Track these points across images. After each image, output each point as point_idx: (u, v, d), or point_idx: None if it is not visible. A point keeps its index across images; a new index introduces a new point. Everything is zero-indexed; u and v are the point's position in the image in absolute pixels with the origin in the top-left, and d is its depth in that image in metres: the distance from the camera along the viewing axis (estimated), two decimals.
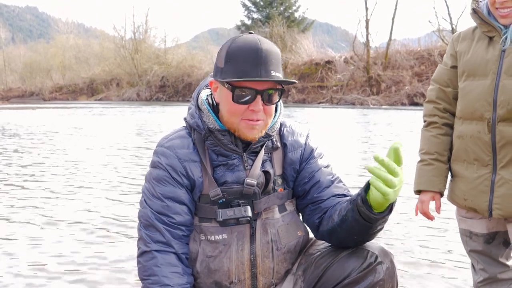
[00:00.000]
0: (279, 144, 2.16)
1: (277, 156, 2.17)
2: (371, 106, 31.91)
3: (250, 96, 1.94)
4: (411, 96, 31.25)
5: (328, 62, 41.20)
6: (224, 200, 2.03)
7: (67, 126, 18.07)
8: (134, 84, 55.16)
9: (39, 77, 64.45)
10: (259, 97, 1.94)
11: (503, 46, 2.37)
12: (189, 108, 2.15)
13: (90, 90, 59.91)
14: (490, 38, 2.42)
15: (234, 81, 1.91)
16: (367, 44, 39.92)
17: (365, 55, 39.20)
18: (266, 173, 2.09)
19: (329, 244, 2.16)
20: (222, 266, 2.07)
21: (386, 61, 38.15)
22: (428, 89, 2.75)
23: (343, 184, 2.23)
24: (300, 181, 2.18)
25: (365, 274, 2.02)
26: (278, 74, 1.96)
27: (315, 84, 41.08)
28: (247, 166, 2.08)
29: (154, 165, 2.08)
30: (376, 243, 2.21)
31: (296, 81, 2.14)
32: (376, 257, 2.05)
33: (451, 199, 2.67)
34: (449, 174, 2.67)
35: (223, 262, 2.06)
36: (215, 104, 2.10)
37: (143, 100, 47.90)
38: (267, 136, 2.09)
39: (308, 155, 2.21)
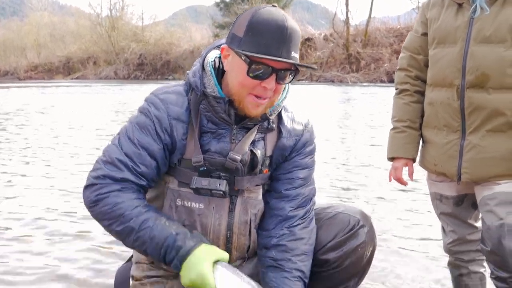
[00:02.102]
0: (275, 126, 2.11)
1: (271, 137, 2.12)
2: (350, 83, 32.00)
3: (266, 73, 1.87)
4: (390, 73, 31.31)
5: (308, 39, 41.02)
6: (205, 168, 1.99)
7: (42, 105, 17.84)
8: (112, 62, 54.36)
9: (13, 56, 63.16)
10: (274, 76, 1.88)
11: (473, 15, 2.41)
12: (194, 65, 2.08)
13: (67, 69, 58.93)
14: (459, 5, 2.47)
15: (254, 56, 1.83)
16: (346, 21, 39.81)
17: (344, 32, 39.11)
18: (253, 154, 2.05)
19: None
20: None
21: (365, 39, 38.14)
22: (400, 56, 2.79)
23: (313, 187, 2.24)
24: (281, 169, 2.17)
25: (348, 238, 2.10)
26: (297, 56, 1.91)
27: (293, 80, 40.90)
28: (234, 139, 2.02)
29: (142, 110, 2.02)
30: (355, 207, 2.28)
31: (316, 67, 2.10)
32: (358, 221, 2.13)
33: (422, 164, 2.74)
34: (421, 140, 2.74)
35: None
36: (221, 68, 2.04)
37: (121, 78, 47.35)
38: (265, 117, 2.03)
39: (299, 147, 2.17)
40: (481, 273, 2.82)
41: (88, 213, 1.98)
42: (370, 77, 33.58)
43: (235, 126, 2.01)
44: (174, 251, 1.84)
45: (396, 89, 2.80)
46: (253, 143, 2.06)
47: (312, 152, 2.22)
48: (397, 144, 2.72)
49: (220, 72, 2.04)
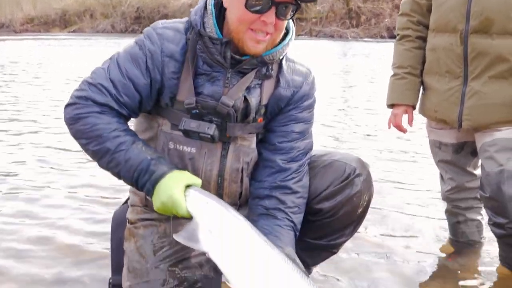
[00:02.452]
0: (273, 74, 2.01)
1: (268, 85, 2.03)
2: (350, 38, 31.63)
3: (265, 6, 1.79)
4: (391, 29, 30.87)
5: None
6: (197, 111, 1.94)
7: (38, 59, 17.66)
8: (108, 15, 53.44)
9: (8, 7, 62.20)
10: (273, 9, 1.80)
11: None
12: (198, 3, 1.99)
13: (63, 22, 58.01)
14: None
15: None
16: None
17: None
18: (246, 101, 1.98)
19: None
20: None
21: None
22: (402, 1, 2.73)
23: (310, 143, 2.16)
24: (275, 122, 2.09)
25: (343, 187, 2.06)
26: None
27: (294, 16, 40.47)
28: (227, 83, 1.94)
29: (138, 41, 1.97)
30: (352, 155, 2.22)
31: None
32: (354, 170, 2.07)
33: (422, 111, 2.72)
34: (421, 87, 2.71)
35: None
36: (223, 9, 1.95)
37: (118, 32, 46.69)
38: (262, 62, 1.93)
39: (297, 100, 2.08)
40: (478, 220, 2.84)
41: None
42: (371, 32, 33.12)
43: (230, 70, 1.93)
44: (148, 175, 1.83)
45: (398, 34, 2.75)
46: (248, 89, 1.98)
47: (310, 106, 2.13)
48: (397, 90, 2.69)
49: (222, 14, 1.96)
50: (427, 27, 2.62)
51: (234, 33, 1.87)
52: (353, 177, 2.06)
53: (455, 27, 2.43)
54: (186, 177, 1.85)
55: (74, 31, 52.54)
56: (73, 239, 3.03)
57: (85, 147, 1.92)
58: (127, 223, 2.17)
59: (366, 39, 30.94)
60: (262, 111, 2.04)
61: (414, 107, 2.71)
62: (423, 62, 2.66)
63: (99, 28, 51.45)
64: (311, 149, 2.15)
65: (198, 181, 1.87)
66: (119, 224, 2.26)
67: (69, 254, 2.84)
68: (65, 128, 1.94)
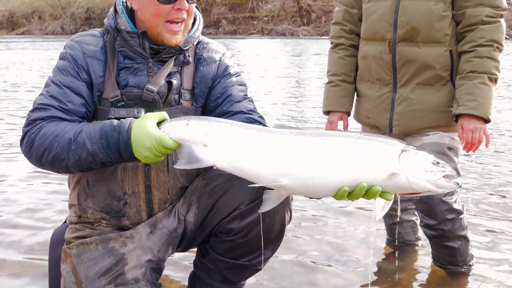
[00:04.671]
0: (191, 60, 2.16)
1: (188, 70, 2.16)
2: (302, 36, 31.98)
3: None
4: None
5: None
6: (123, 103, 2.02)
7: None
8: (58, 16, 52.35)
9: None
10: None
11: None
12: (109, 11, 2.13)
13: (10, 24, 56.49)
14: None
15: None
16: None
17: None
18: (169, 83, 2.07)
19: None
20: (115, 173, 2.04)
21: None
22: (335, 10, 2.80)
23: (254, 104, 2.24)
24: (213, 97, 2.18)
25: (254, 207, 2.02)
26: None
27: (246, 15, 40.52)
28: (150, 72, 2.07)
29: (61, 56, 2.08)
30: None
31: None
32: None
33: (357, 118, 2.80)
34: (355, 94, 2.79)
35: (117, 169, 2.04)
36: (129, 8, 2.10)
37: (68, 33, 45.72)
38: (179, 49, 2.08)
39: (222, 72, 2.21)
40: (413, 221, 2.94)
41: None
42: (321, 30, 33.57)
43: (151, 60, 2.06)
44: (115, 132, 1.81)
45: (332, 43, 2.81)
46: (169, 76, 2.10)
47: (237, 73, 2.26)
48: (332, 97, 2.76)
49: (133, 13, 2.10)
50: (359, 35, 2.70)
51: (152, 29, 2.02)
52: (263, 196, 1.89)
53: (384, 36, 2.51)
54: (151, 116, 1.84)
55: (22, 33, 51.22)
56: (14, 255, 2.98)
57: (52, 157, 1.89)
58: (65, 243, 2.16)
59: (316, 36, 31.28)
60: (187, 96, 2.14)
61: (348, 114, 2.78)
62: (357, 70, 2.73)
63: (48, 30, 50.34)
64: (257, 112, 2.21)
65: (163, 114, 1.86)
66: (57, 242, 2.25)
67: (9, 270, 2.80)
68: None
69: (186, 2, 1.99)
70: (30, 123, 1.95)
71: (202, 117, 1.85)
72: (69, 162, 1.88)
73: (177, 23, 2.01)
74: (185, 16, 2.02)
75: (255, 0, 39.07)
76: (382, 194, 1.67)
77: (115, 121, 1.86)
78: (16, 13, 56.41)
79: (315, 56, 18.28)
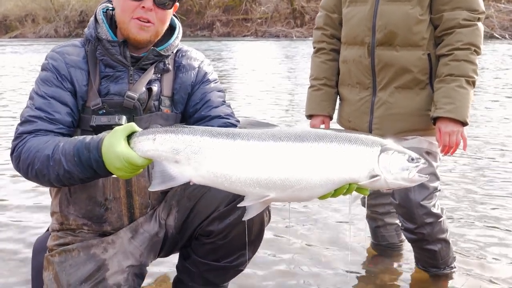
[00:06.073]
0: (170, 67, 2.19)
1: (168, 78, 2.19)
2: (295, 38, 31.97)
3: None
4: None
5: None
6: (104, 111, 2.04)
7: None
8: (51, 19, 52.23)
9: None
10: None
11: None
12: (90, 21, 2.18)
13: (4, 27, 56.31)
14: None
15: None
16: None
17: None
18: (149, 90, 2.10)
19: None
20: (96, 180, 2.03)
21: None
22: (317, 15, 2.82)
23: (231, 109, 2.27)
24: (192, 102, 2.21)
25: (233, 208, 2.04)
26: None
27: (239, 17, 40.50)
28: (131, 80, 2.10)
29: (43, 67, 2.10)
30: None
31: None
32: None
33: (339, 121, 2.81)
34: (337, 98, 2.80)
35: None
36: (114, 17, 2.14)
37: (62, 36, 45.73)
38: (159, 55, 2.11)
39: (201, 79, 2.24)
40: (396, 224, 2.95)
41: None
42: None
43: (132, 67, 2.10)
44: (86, 150, 1.80)
45: (314, 48, 2.83)
46: (149, 83, 2.12)
47: (215, 79, 2.29)
48: (314, 101, 2.77)
49: (114, 22, 2.14)
50: (340, 40, 2.71)
51: (120, 25, 2.07)
52: (242, 198, 1.84)
53: (363, 40, 2.52)
54: (120, 131, 1.77)
55: (15, 37, 51.10)
56: None
57: (35, 171, 1.90)
58: (47, 251, 2.17)
59: (310, 38, 31.26)
60: (167, 102, 2.17)
61: (331, 117, 2.79)
62: (338, 74, 2.74)
63: (42, 33, 50.23)
64: (234, 117, 2.24)
65: (132, 126, 1.79)
66: (39, 250, 2.26)
67: None
68: None
69: (151, 2, 2.01)
70: (18, 137, 1.98)
71: (170, 128, 1.74)
72: (50, 178, 1.90)
73: (144, 19, 2.03)
74: (151, 17, 2.03)
75: (249, 2, 39.07)
76: (359, 189, 1.72)
77: (88, 138, 1.84)
78: (9, 16, 56.25)
79: (308, 57, 18.29)
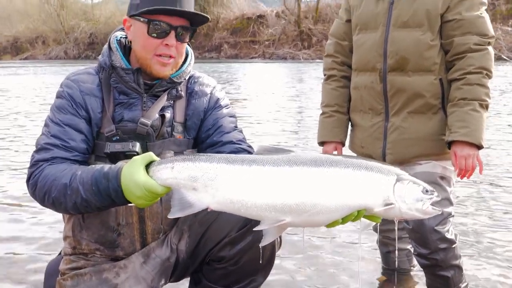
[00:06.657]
0: (183, 94, 2.21)
1: (180, 104, 2.22)
2: (302, 60, 32.19)
3: (165, 30, 2.03)
4: None
5: (260, 16, 40.96)
6: (118, 138, 2.07)
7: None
8: (61, 41, 52.87)
9: None
10: (173, 32, 2.03)
11: (392, 1, 2.48)
12: (103, 49, 2.19)
13: (15, 49, 57.03)
14: None
15: (151, 9, 1.98)
16: None
17: (296, 9, 39.19)
18: (162, 117, 2.12)
19: None
20: None
21: (316, 15, 38.31)
22: (327, 43, 2.85)
23: (243, 134, 2.29)
24: (204, 128, 2.23)
25: (244, 233, 2.07)
26: (192, 11, 2.06)
27: (247, 39, 40.88)
28: (145, 107, 2.12)
29: (58, 95, 2.13)
30: None
31: (209, 18, 2.17)
32: None
33: (351, 147, 2.81)
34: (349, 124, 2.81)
35: None
36: (127, 44, 2.18)
37: (71, 58, 46.25)
38: (172, 82, 2.14)
39: (213, 105, 2.26)
40: (408, 249, 2.94)
41: None
42: (322, 53, 33.68)
43: (145, 95, 2.12)
44: (104, 179, 1.83)
45: (324, 75, 2.85)
46: (162, 109, 2.14)
47: (227, 105, 2.31)
48: (326, 128, 2.78)
49: (127, 49, 2.18)
50: (350, 66, 2.73)
51: (141, 60, 2.08)
52: (254, 223, 1.89)
53: (374, 66, 2.54)
54: (139, 161, 1.80)
55: (26, 58, 51.68)
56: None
57: (51, 200, 1.93)
58: (59, 275, 2.18)
59: (318, 60, 31.45)
60: (179, 128, 2.19)
61: (343, 144, 2.80)
62: (350, 100, 2.76)
63: (52, 54, 50.80)
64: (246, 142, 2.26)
65: (150, 155, 1.83)
66: (51, 274, 2.27)
67: None
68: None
69: (174, 39, 2.04)
70: (34, 165, 2.01)
71: (187, 157, 1.79)
72: (67, 206, 1.93)
73: (166, 55, 2.06)
74: (173, 52, 2.07)
75: (256, 24, 39.45)
76: (371, 217, 1.73)
77: (106, 167, 1.87)
78: (20, 38, 56.96)
79: (316, 80, 18.36)
